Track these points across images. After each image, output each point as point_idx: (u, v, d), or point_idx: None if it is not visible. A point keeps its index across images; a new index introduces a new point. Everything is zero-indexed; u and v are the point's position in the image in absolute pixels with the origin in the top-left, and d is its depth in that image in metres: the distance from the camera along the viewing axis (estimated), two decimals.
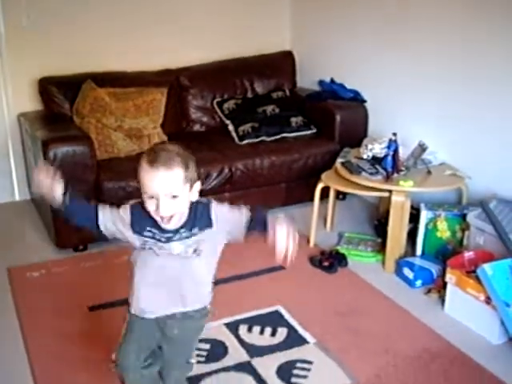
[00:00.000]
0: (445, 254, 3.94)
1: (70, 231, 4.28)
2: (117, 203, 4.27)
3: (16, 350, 3.35)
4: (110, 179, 4.29)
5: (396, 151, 4.08)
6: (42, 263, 4.25)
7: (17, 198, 5.36)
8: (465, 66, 4.14)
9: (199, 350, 3.28)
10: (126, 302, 3.60)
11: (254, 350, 3.30)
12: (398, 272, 4.05)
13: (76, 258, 4.32)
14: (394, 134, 4.09)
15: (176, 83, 5.29)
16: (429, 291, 3.86)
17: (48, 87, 4.90)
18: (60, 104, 4.89)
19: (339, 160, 4.42)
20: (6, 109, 5.10)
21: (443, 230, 4.04)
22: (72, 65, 5.05)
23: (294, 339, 3.41)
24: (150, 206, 2.23)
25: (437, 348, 3.32)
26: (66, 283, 4.01)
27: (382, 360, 3.22)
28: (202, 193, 4.56)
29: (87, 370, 3.15)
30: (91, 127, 4.63)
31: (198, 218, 2.35)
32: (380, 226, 4.48)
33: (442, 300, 3.70)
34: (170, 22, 5.42)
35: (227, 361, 3.22)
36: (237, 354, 3.27)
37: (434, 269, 3.93)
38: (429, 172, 4.16)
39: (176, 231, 2.32)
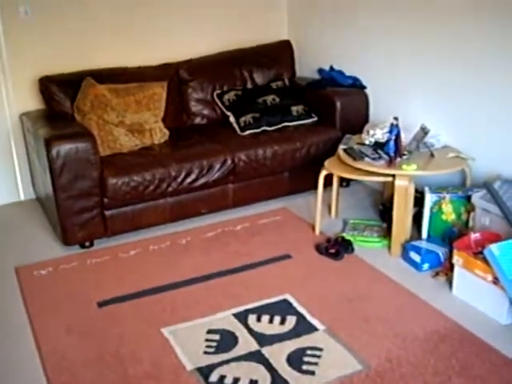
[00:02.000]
0: (451, 237, 3.95)
1: (76, 228, 4.31)
2: (121, 198, 4.34)
3: (27, 347, 3.36)
4: (113, 175, 4.29)
5: (398, 135, 4.08)
6: (50, 261, 4.26)
7: (22, 197, 5.37)
8: (465, 48, 4.12)
9: (209, 340, 3.30)
10: (134, 296, 3.64)
11: (264, 339, 3.31)
12: (405, 256, 4.05)
13: (83, 255, 4.33)
14: (396, 119, 4.09)
15: (176, 77, 5.29)
16: (436, 274, 3.86)
17: (48, 86, 4.90)
18: (61, 102, 4.89)
19: (341, 147, 4.42)
20: (7, 109, 5.10)
21: (448, 213, 4.04)
22: (72, 62, 5.06)
23: (303, 327, 3.41)
24: None
25: (446, 330, 3.33)
26: (74, 280, 4.02)
27: (392, 344, 3.23)
28: (206, 185, 4.62)
29: (99, 366, 3.16)
30: (93, 124, 4.63)
31: None
32: (385, 211, 4.49)
33: (450, 282, 3.71)
34: (168, 16, 5.42)
35: (237, 351, 3.23)
36: (247, 344, 3.28)
37: (441, 251, 3.94)
38: (432, 155, 4.16)
39: None
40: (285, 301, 3.64)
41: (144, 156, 4.55)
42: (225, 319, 3.49)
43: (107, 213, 4.38)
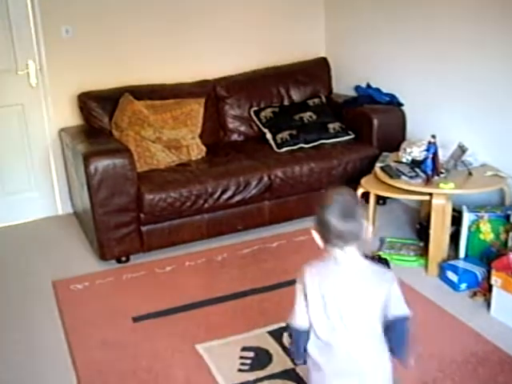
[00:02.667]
0: (489, 257, 3.89)
1: (113, 243, 4.34)
2: (158, 214, 4.36)
3: (62, 360, 3.39)
4: (150, 191, 4.32)
5: (435, 154, 4.04)
6: (86, 275, 4.29)
7: (60, 211, 5.43)
8: (504, 65, 4.08)
9: (244, 358, 3.29)
10: (169, 312, 3.64)
11: None
12: (442, 276, 4.01)
13: (119, 270, 4.36)
14: (433, 137, 4.05)
15: (213, 93, 5.33)
16: (474, 294, 3.81)
17: (87, 102, 4.97)
18: (99, 118, 4.95)
19: (378, 164, 4.40)
20: (47, 124, 5.19)
21: (486, 232, 3.99)
22: (110, 79, 5.12)
23: None
24: None
25: (484, 352, 3.27)
26: (110, 295, 4.04)
27: (429, 366, 3.18)
28: (242, 201, 4.60)
29: (133, 381, 3.17)
30: (130, 140, 4.67)
31: None
32: (422, 230, 4.45)
33: (488, 303, 3.65)
34: (206, 34, 5.48)
35: (272, 368, 3.21)
36: (281, 362, 3.26)
37: (479, 271, 3.88)
38: (470, 173, 4.12)
39: None
40: None
41: (181, 172, 4.58)
42: (259, 337, 3.47)
43: (144, 228, 4.41)
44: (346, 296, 2.19)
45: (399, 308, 2.27)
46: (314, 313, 2.26)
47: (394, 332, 2.27)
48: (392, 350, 2.29)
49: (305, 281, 2.30)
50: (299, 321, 2.33)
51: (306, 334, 2.33)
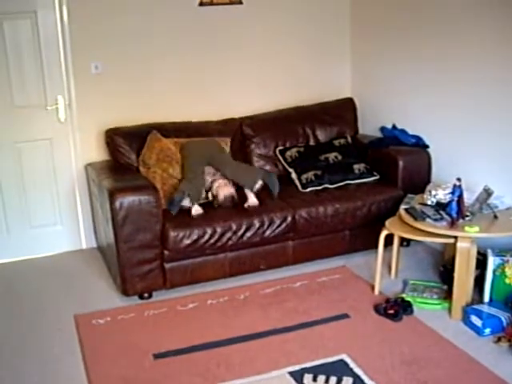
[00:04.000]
0: None
1: (136, 279, 4.35)
2: (182, 251, 4.37)
3: None
4: (175, 227, 4.34)
5: (461, 196, 4.03)
6: (108, 310, 4.30)
7: (83, 246, 5.47)
8: None
9: None
10: (190, 350, 3.62)
11: None
12: (466, 320, 3.96)
13: (141, 306, 4.37)
14: (459, 180, 4.04)
15: (239, 132, 5.37)
16: (499, 340, 3.75)
17: (114, 138, 5.03)
18: (126, 154, 5.00)
19: (403, 206, 4.39)
20: (73, 159, 5.25)
21: None
22: (137, 115, 5.20)
23: None
24: None
25: None
26: (132, 331, 4.04)
27: None
28: (265, 240, 4.61)
29: None
30: (157, 177, 4.71)
31: None
32: (446, 273, 4.41)
33: None
34: (233, 72, 5.56)
35: None
36: None
37: (504, 316, 3.84)
38: (495, 217, 4.09)
39: None
40: (341, 361, 3.59)
41: (205, 209, 4.60)
42: (280, 377, 3.45)
43: (167, 265, 4.42)
44: None
45: None
46: None
47: None
48: None
49: None
50: None
51: None
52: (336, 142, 5.41)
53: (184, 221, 4.42)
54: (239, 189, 4.74)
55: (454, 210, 4.03)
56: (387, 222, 4.34)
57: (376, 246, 4.34)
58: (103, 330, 4.06)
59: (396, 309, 4.06)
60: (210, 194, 4.74)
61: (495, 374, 3.44)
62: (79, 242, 5.47)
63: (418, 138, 5.11)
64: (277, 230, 4.59)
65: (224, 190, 4.65)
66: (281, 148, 5.41)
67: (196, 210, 4.52)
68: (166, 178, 4.73)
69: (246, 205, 4.65)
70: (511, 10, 4.10)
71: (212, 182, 4.74)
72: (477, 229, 3.89)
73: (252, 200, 4.66)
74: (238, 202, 4.64)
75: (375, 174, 5.12)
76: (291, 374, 3.48)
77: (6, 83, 4.94)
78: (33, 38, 4.92)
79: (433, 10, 4.82)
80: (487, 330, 3.83)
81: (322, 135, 5.55)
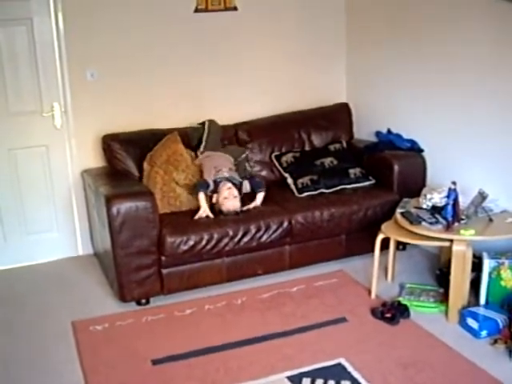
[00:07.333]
0: (510, 303, 3.88)
1: (133, 285, 4.35)
2: (179, 257, 4.38)
3: None
4: (171, 233, 4.35)
5: (456, 200, 4.05)
6: (106, 317, 4.31)
7: (80, 252, 5.48)
8: None
9: None
10: (188, 355, 3.63)
11: None
12: (462, 322, 3.98)
13: (139, 312, 4.37)
14: (454, 183, 4.06)
15: (235, 138, 5.38)
16: (495, 342, 3.77)
17: (111, 144, 5.03)
18: (123, 160, 5.00)
19: (399, 210, 4.40)
20: (70, 165, 5.26)
21: (507, 279, 3.97)
22: (133, 121, 5.21)
23: None
24: None
25: None
26: (130, 337, 4.05)
27: None
28: (262, 245, 4.62)
29: None
30: (158, 177, 4.72)
31: None
32: (442, 276, 4.43)
33: (510, 350, 3.62)
34: (228, 79, 5.57)
35: None
36: None
37: (500, 318, 3.86)
38: (490, 220, 4.11)
39: None
40: (339, 365, 3.60)
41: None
42: (279, 382, 3.46)
43: (164, 271, 4.43)
44: None
45: None
46: None
47: None
48: None
49: None
50: None
51: None
52: (331, 147, 5.43)
53: (181, 226, 4.42)
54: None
55: (450, 214, 4.04)
56: (383, 226, 4.35)
57: (372, 250, 4.36)
58: (101, 337, 4.06)
59: (393, 312, 4.07)
60: (214, 197, 4.72)
61: (492, 376, 3.45)
62: (76, 248, 5.47)
63: (413, 143, 5.13)
64: (273, 235, 4.60)
65: (230, 202, 4.64)
66: (276, 153, 5.43)
67: (204, 211, 4.59)
68: (168, 180, 4.73)
69: (251, 205, 4.69)
70: (504, 16, 4.13)
71: (218, 184, 4.73)
72: (472, 232, 3.91)
73: (259, 202, 4.74)
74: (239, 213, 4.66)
75: (371, 178, 5.14)
76: (289, 378, 3.49)
77: (2, 90, 4.95)
78: (28, 45, 4.93)
79: (427, 17, 4.85)
80: (484, 333, 3.84)
81: (317, 140, 5.57)
